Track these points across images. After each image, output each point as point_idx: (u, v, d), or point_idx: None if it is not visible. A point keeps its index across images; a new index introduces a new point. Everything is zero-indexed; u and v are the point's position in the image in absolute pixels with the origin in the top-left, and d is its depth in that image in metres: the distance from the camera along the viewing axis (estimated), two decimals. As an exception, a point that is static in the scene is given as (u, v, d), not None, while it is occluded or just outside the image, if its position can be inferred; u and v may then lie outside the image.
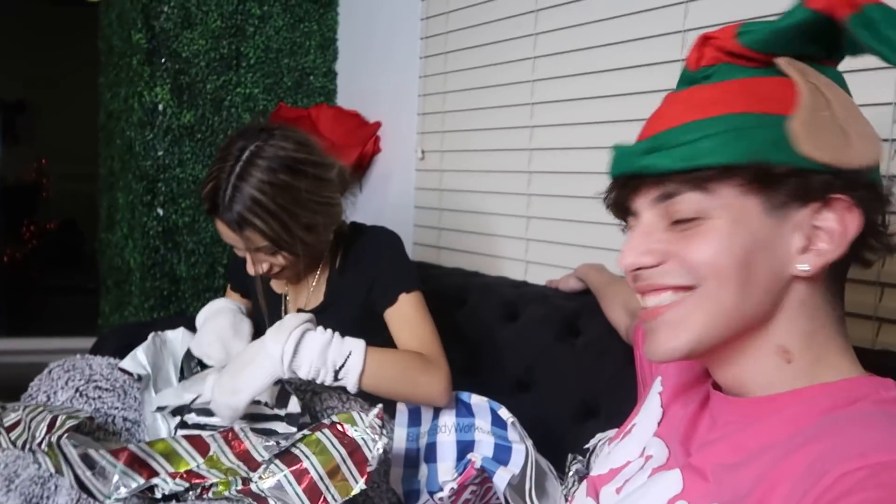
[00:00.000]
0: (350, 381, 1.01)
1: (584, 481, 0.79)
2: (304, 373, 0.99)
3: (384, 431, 0.92)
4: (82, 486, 0.92)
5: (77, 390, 1.15)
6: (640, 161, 0.62)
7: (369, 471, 0.89)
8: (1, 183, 5.81)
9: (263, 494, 0.88)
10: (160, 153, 2.07)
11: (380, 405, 1.01)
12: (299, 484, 0.87)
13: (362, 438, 0.91)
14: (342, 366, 1.00)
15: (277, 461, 0.89)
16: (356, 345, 1.02)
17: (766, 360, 0.61)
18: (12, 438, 1.02)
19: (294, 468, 0.88)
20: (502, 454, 1.01)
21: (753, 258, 0.58)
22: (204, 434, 1.00)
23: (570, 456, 1.07)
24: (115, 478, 0.92)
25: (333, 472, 0.88)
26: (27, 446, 0.98)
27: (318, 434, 0.92)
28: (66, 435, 0.95)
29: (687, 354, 0.62)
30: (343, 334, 1.05)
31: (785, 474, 0.52)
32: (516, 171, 1.68)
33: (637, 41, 1.37)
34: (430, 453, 1.05)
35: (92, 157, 2.64)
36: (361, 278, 1.24)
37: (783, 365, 0.60)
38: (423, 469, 1.05)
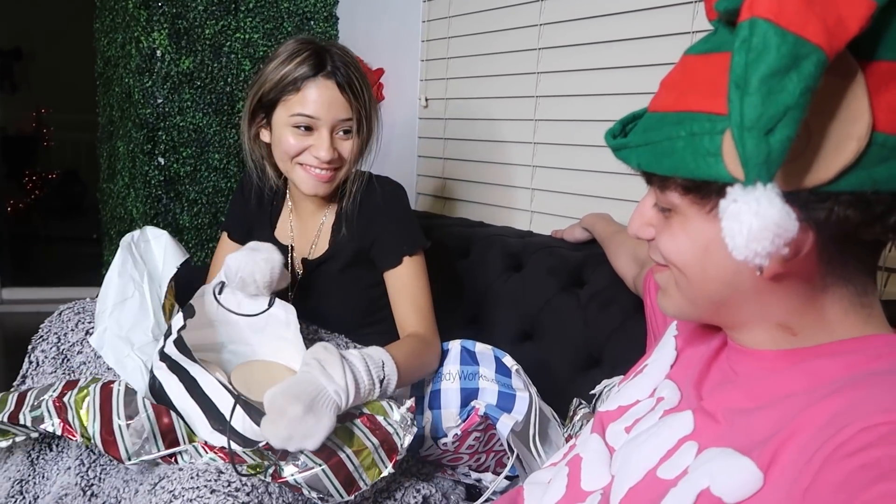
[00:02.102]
0: (392, 387, 0.99)
1: (592, 419, 0.79)
2: (360, 400, 0.95)
3: (414, 424, 0.93)
4: (106, 440, 0.93)
5: (87, 332, 1.15)
6: (617, 151, 0.63)
7: (398, 459, 0.91)
8: (1, 133, 5.75)
9: (299, 485, 0.88)
10: (160, 101, 2.04)
11: (412, 399, 1.00)
12: (337, 476, 0.88)
13: (393, 429, 0.92)
14: (384, 377, 0.98)
15: (312, 455, 0.88)
16: (381, 353, 0.99)
17: (768, 333, 0.60)
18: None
19: (332, 462, 0.88)
20: (506, 401, 1.01)
21: (709, 255, 0.58)
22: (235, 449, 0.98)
23: (574, 401, 1.08)
24: (144, 435, 0.92)
25: (366, 462, 0.90)
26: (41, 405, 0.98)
27: (349, 425, 0.92)
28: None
29: (677, 318, 0.65)
30: (339, 283, 1.04)
31: (805, 424, 0.51)
32: (522, 119, 1.65)
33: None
34: (435, 400, 1.06)
35: (91, 106, 2.60)
36: (365, 231, 1.23)
37: (788, 337, 0.60)
38: (428, 415, 1.06)
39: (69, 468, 1.07)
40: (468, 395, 1.05)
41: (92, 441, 0.94)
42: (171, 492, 0.82)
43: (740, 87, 0.46)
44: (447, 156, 1.91)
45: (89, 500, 1.03)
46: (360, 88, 1.17)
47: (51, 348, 1.15)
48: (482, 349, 1.04)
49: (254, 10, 2.15)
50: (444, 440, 1.02)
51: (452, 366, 1.06)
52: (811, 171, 0.49)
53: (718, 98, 0.51)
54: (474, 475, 1.11)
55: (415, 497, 1.02)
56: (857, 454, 0.46)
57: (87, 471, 1.04)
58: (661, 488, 0.58)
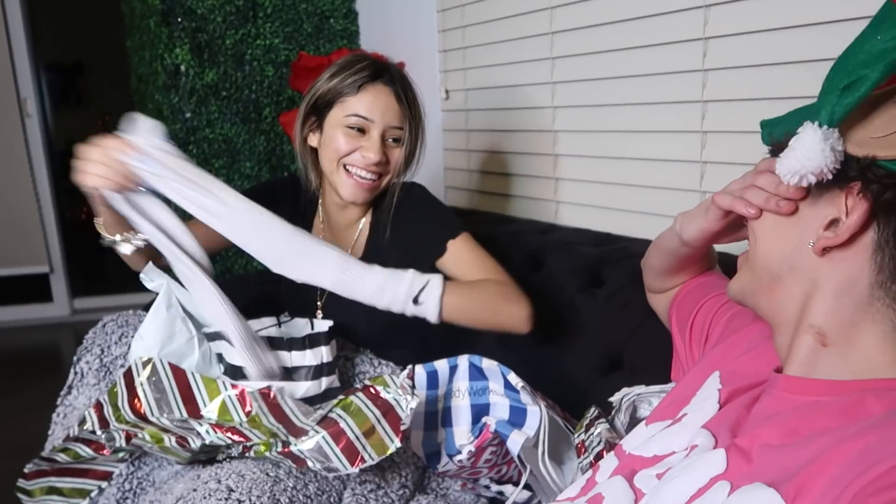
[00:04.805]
0: (430, 308, 1.04)
1: (613, 453, 0.77)
2: (386, 298, 1.04)
3: (414, 392, 0.93)
4: (132, 403, 0.99)
5: (130, 347, 1.19)
6: (762, 129, 0.68)
7: (403, 430, 0.91)
8: (68, 146, 6.02)
9: (302, 456, 0.91)
10: (188, 115, 2.08)
11: (409, 367, 1.01)
12: (337, 444, 0.89)
13: (394, 399, 0.93)
14: (422, 289, 1.03)
15: (315, 426, 0.91)
16: (434, 276, 1.06)
17: (802, 338, 0.60)
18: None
19: (331, 430, 0.90)
20: (517, 416, 0.99)
21: (778, 222, 0.63)
22: (247, 389, 1.03)
23: (592, 409, 1.04)
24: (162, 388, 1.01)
25: (369, 433, 0.90)
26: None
27: (352, 397, 0.94)
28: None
29: (737, 298, 0.71)
30: None
31: (835, 459, 0.51)
32: (540, 106, 1.59)
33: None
34: (447, 417, 1.04)
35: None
36: (401, 239, 1.22)
37: (818, 348, 0.59)
38: (441, 433, 1.05)
39: (111, 493, 1.12)
40: (479, 412, 1.02)
41: (122, 412, 1.00)
42: None
43: (846, 52, 0.56)
44: (471, 148, 1.87)
45: None
46: (413, 102, 1.21)
47: (94, 360, 1.19)
48: (489, 365, 1.02)
49: (272, 15, 2.15)
50: (458, 457, 1.00)
51: (461, 382, 1.04)
52: (883, 146, 0.55)
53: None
54: (495, 488, 1.09)
55: (432, 515, 1.01)
56: (886, 491, 0.45)
57: (124, 482, 1.10)
58: None
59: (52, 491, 1.11)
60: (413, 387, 0.94)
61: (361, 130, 1.17)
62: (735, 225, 0.78)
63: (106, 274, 4.15)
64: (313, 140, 1.23)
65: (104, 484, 1.10)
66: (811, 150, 0.56)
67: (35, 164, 3.53)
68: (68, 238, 3.69)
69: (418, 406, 1.06)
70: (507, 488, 1.08)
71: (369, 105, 1.16)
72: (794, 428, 0.58)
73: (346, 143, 1.17)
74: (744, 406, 0.67)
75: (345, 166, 1.19)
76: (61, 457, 1.08)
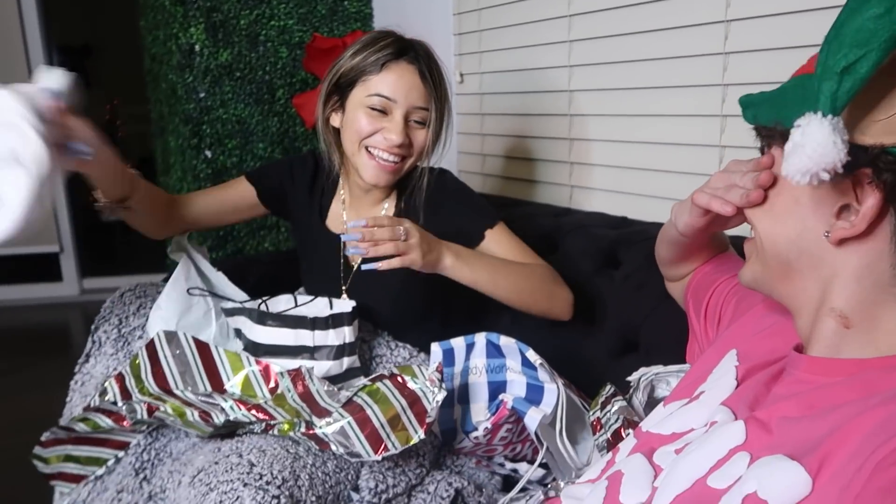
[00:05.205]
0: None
1: (632, 432, 0.77)
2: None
3: (442, 385, 0.94)
4: (155, 373, 1.00)
5: (147, 319, 1.20)
6: (745, 109, 0.67)
7: (429, 422, 0.92)
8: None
9: (327, 439, 0.91)
10: (202, 95, 2.08)
11: (439, 360, 1.01)
12: (362, 431, 0.90)
13: (421, 390, 0.93)
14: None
15: (342, 409, 0.92)
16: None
17: (824, 321, 0.60)
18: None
19: (357, 416, 0.91)
20: (535, 393, 0.99)
21: (783, 210, 0.61)
22: (273, 368, 1.04)
23: (608, 386, 1.05)
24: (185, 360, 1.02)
25: (394, 421, 0.91)
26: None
27: (378, 384, 0.94)
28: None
29: (751, 286, 0.69)
30: (408, 277, 1.07)
31: (856, 430, 0.50)
32: (556, 90, 1.58)
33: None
34: (463, 394, 1.05)
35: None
36: (436, 226, 1.18)
37: (840, 330, 0.58)
38: (457, 409, 1.05)
39: (129, 462, 1.13)
40: (496, 389, 1.03)
41: (145, 384, 1.02)
42: (207, 484, 0.86)
43: (835, 27, 0.52)
44: (485, 132, 1.87)
45: (140, 485, 1.09)
46: (439, 82, 1.18)
47: (112, 329, 1.20)
48: (507, 342, 1.02)
49: (286, -5, 2.15)
50: (474, 434, 1.01)
51: (479, 359, 1.05)
52: (888, 131, 0.52)
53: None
54: (510, 465, 1.10)
55: (447, 490, 1.02)
56: None
57: (142, 452, 1.10)
58: (711, 497, 0.57)
59: (69, 459, 1.12)
60: (441, 380, 0.94)
61: (384, 111, 1.15)
62: (722, 218, 0.77)
63: (116, 254, 4.17)
64: (335, 120, 1.21)
65: (121, 453, 1.11)
66: (823, 146, 0.51)
67: (47, 143, 3.53)
68: (78, 218, 3.70)
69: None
70: (522, 466, 1.09)
71: (392, 84, 1.13)
72: (814, 402, 0.58)
73: (368, 124, 1.15)
74: (762, 383, 0.67)
75: (367, 148, 1.16)
76: (80, 426, 1.09)
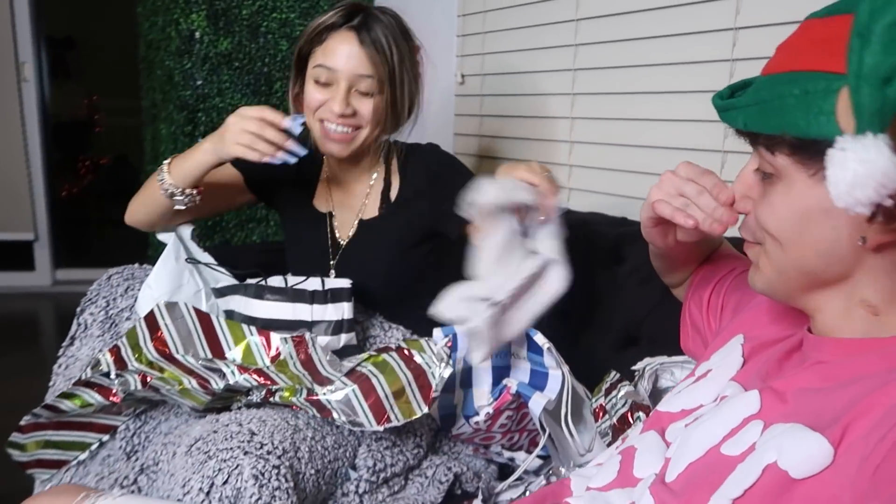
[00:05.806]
0: None
1: (641, 415, 0.78)
2: None
3: (450, 361, 0.93)
4: (156, 339, 0.99)
5: (136, 300, 1.17)
6: (723, 111, 0.63)
7: (433, 397, 0.91)
8: (54, 120, 5.92)
9: (329, 406, 0.90)
10: (199, 82, 2.06)
11: (449, 335, 1.00)
12: (366, 400, 0.90)
13: (427, 365, 0.93)
14: None
15: (345, 378, 0.91)
16: None
17: (851, 312, 0.59)
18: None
19: (362, 385, 0.91)
20: (538, 380, 0.99)
21: (808, 222, 0.57)
22: (275, 338, 1.02)
23: (612, 373, 1.05)
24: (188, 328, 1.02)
25: (398, 394, 0.91)
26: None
27: (385, 356, 0.94)
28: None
29: (766, 293, 0.66)
30: (387, 248, 1.04)
31: (878, 401, 0.51)
32: (559, 93, 1.60)
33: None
34: (466, 378, 1.05)
35: (137, 92, 2.65)
36: (422, 200, 1.19)
37: (869, 317, 0.59)
38: (459, 394, 1.05)
39: (116, 436, 1.09)
40: (500, 374, 1.03)
41: (143, 351, 1.00)
42: (205, 452, 0.84)
43: (863, 35, 0.46)
44: (483, 133, 1.88)
45: (129, 459, 1.05)
46: (389, 49, 1.13)
47: (99, 312, 1.17)
48: (514, 326, 1.02)
49: (290, -11, 2.15)
50: (475, 419, 1.01)
51: (484, 343, 1.04)
52: None
53: (836, 57, 0.51)
54: (507, 454, 1.09)
55: (446, 475, 1.01)
56: None
57: (132, 437, 1.07)
58: (725, 465, 0.57)
59: (49, 444, 1.08)
60: (449, 356, 0.93)
61: (328, 83, 1.13)
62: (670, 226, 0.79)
63: (91, 246, 4.08)
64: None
65: (105, 437, 1.08)
66: (890, 173, 0.47)
67: (28, 129, 3.48)
68: (56, 207, 3.62)
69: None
70: (519, 455, 1.08)
71: (331, 54, 1.12)
72: (833, 373, 0.58)
73: (316, 96, 1.14)
74: (774, 359, 0.67)
75: (321, 120, 1.16)
76: (66, 404, 1.05)
